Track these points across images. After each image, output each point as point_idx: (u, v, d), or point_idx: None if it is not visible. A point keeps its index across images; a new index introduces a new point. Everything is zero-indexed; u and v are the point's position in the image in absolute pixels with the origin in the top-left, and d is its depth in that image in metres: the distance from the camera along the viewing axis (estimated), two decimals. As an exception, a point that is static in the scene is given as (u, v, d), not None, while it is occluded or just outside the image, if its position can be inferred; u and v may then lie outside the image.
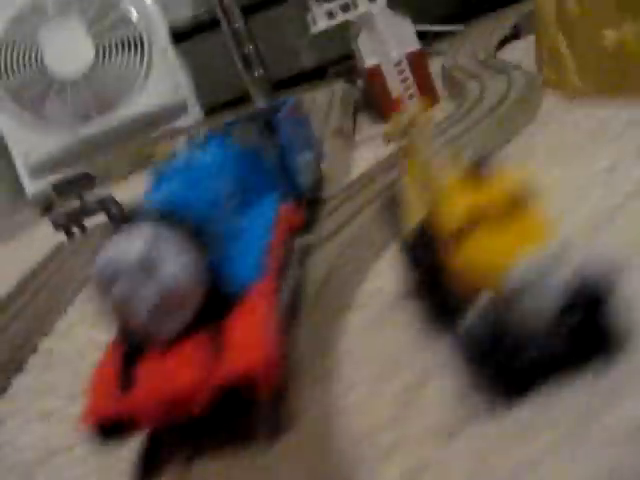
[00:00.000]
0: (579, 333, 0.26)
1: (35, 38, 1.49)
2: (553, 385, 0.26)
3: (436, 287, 0.31)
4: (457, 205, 0.29)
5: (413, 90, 0.90)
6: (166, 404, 0.28)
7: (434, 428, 0.27)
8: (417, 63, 0.90)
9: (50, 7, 1.48)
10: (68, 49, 1.49)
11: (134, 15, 1.51)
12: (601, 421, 0.23)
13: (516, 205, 0.28)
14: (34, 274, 0.74)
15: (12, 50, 1.50)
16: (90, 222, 0.91)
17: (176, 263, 0.29)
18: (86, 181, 1.29)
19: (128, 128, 1.49)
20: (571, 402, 0.25)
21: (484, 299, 0.27)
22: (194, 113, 1.53)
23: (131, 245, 0.29)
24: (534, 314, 0.26)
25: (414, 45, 0.91)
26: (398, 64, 0.90)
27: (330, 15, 0.88)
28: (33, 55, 1.50)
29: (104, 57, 1.50)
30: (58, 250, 0.84)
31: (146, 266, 0.29)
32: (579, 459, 0.22)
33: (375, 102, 0.95)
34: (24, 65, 1.50)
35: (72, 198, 1.04)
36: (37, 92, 1.51)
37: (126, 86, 1.51)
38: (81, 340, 0.53)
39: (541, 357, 0.26)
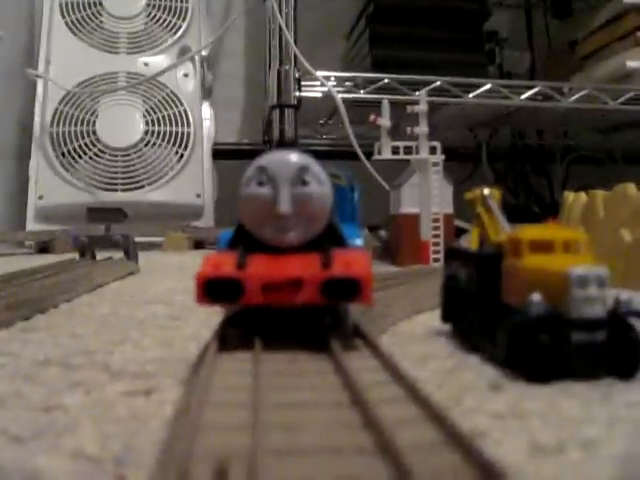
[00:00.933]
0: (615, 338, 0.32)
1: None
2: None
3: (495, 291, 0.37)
4: (524, 236, 0.36)
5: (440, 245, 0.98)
6: (277, 283, 0.31)
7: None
8: (448, 225, 0.99)
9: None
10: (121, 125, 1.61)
11: (189, 113, 1.66)
12: None
13: (569, 246, 0.35)
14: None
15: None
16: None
17: (323, 185, 0.34)
18: (119, 215, 1.26)
19: (144, 210, 1.56)
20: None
21: (536, 296, 0.32)
22: (207, 220, 1.63)
23: (293, 156, 0.34)
24: (584, 308, 0.31)
25: (450, 208, 1.00)
26: (435, 220, 0.99)
27: (394, 151, 0.98)
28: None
29: (152, 136, 1.62)
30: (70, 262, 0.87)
31: (301, 174, 0.33)
32: None
33: (398, 247, 1.02)
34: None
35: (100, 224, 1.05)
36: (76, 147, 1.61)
37: (158, 174, 1.59)
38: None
39: (584, 346, 0.31)
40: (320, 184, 0.34)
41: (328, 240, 0.34)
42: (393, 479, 0.16)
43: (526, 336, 0.32)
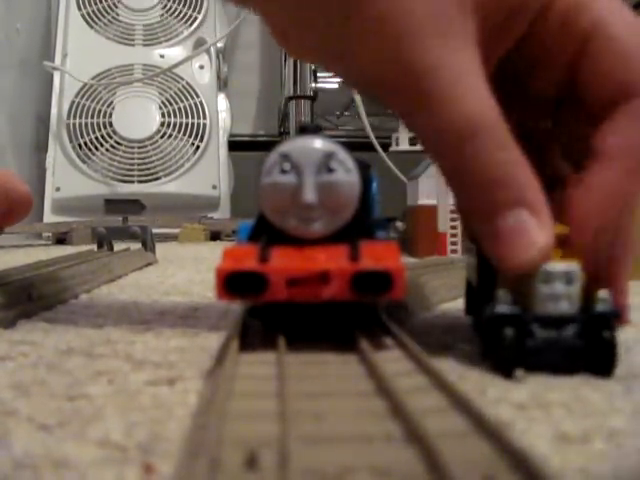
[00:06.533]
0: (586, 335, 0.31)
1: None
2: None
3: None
4: None
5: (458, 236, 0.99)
6: (303, 277, 0.30)
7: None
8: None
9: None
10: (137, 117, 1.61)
11: (205, 105, 1.68)
12: None
13: (563, 242, 0.33)
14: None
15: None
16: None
17: (350, 173, 0.32)
18: (137, 207, 1.28)
19: (161, 201, 1.56)
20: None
21: (502, 292, 0.31)
22: (223, 211, 1.63)
23: (318, 142, 0.32)
24: (548, 304, 0.31)
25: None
26: (452, 211, 0.99)
27: (412, 142, 0.98)
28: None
29: (168, 127, 1.65)
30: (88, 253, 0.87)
31: (327, 161, 0.32)
32: None
33: (415, 239, 1.04)
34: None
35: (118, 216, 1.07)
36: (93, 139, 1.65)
37: (174, 165, 1.61)
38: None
39: (548, 342, 0.31)
40: (347, 172, 0.32)
41: (356, 231, 0.33)
42: (425, 466, 0.16)
43: (492, 332, 0.32)
